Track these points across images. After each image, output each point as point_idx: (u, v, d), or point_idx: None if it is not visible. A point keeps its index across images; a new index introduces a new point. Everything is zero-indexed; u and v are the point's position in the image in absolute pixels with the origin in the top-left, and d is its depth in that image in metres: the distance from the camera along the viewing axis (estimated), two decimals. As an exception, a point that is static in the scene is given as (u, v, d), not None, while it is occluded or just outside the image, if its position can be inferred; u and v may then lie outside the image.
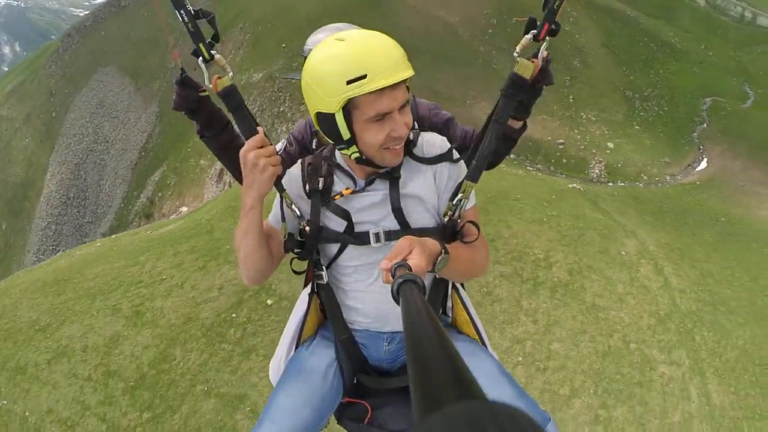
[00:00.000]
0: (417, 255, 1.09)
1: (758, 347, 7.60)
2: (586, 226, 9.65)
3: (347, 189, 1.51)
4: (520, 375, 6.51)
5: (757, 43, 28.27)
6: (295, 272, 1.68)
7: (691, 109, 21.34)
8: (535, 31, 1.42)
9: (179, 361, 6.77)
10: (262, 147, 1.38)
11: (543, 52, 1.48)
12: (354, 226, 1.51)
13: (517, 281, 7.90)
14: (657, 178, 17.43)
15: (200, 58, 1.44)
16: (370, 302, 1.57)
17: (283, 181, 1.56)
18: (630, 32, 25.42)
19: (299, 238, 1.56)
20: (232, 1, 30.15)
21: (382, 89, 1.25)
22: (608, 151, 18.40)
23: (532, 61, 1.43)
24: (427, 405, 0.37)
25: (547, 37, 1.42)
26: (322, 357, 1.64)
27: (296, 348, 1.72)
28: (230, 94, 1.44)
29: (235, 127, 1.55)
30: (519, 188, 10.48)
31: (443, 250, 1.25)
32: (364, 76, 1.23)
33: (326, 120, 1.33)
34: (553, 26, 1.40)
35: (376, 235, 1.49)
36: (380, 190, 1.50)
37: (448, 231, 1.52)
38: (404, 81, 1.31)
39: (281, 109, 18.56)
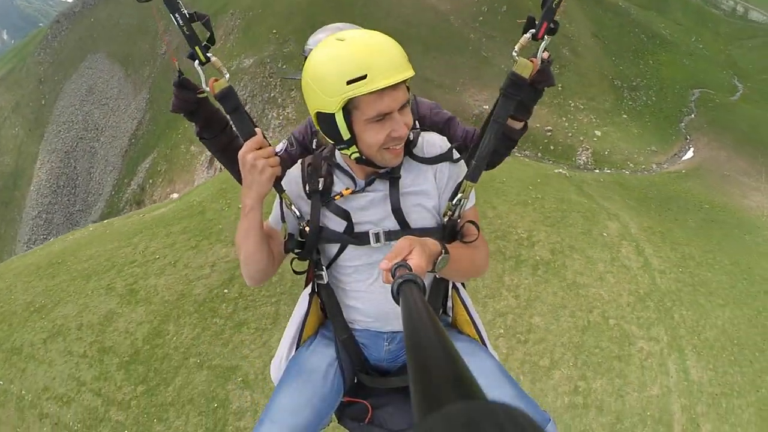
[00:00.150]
0: (417, 255, 1.09)
1: (737, 328, 7.74)
2: (569, 208, 9.80)
3: (347, 189, 1.51)
4: (502, 347, 6.69)
5: (748, 37, 28.42)
6: (295, 272, 1.69)
7: (680, 99, 21.48)
8: (533, 30, 1.41)
9: (172, 336, 6.91)
10: (260, 148, 1.38)
11: (544, 53, 1.48)
12: (354, 226, 1.51)
13: (500, 258, 8.06)
14: (643, 166, 17.60)
15: (196, 61, 1.44)
16: (371, 302, 1.58)
17: (283, 181, 1.56)
18: (621, 22, 25.52)
19: (299, 239, 1.56)
20: (223, -12, 29.82)
21: (382, 89, 1.25)
22: (595, 139, 18.53)
23: (531, 60, 1.43)
24: (427, 405, 0.37)
25: (546, 36, 1.41)
26: (323, 356, 1.65)
27: (297, 348, 1.72)
28: (227, 96, 1.44)
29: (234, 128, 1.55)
30: (505, 172, 10.62)
31: (443, 250, 1.26)
32: (364, 77, 1.23)
33: (326, 120, 1.33)
34: (551, 25, 1.39)
35: (376, 235, 1.49)
36: (380, 190, 1.50)
37: (448, 231, 1.52)
38: (404, 81, 1.31)
39: (272, 94, 18.57)
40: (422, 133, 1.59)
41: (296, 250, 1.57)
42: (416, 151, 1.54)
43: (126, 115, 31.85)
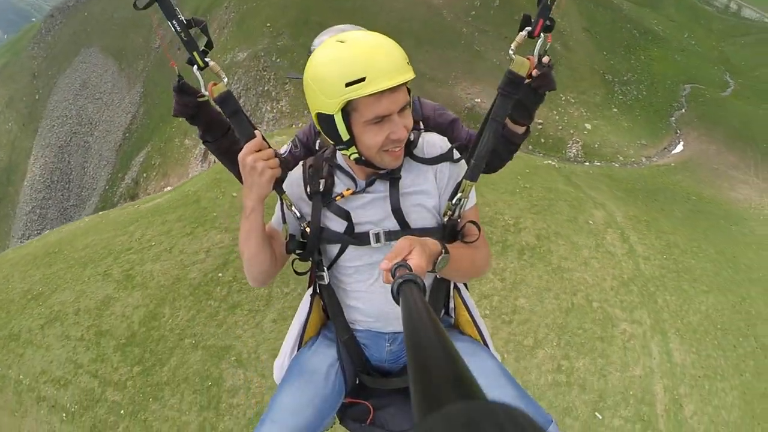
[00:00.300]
0: (417, 255, 1.10)
1: (721, 314, 7.90)
2: (556, 197, 9.98)
3: (348, 190, 1.51)
4: (487, 326, 6.87)
5: (741, 34, 28.49)
6: (297, 273, 1.68)
7: (670, 94, 21.59)
8: (529, 28, 1.41)
9: (168, 318, 7.07)
10: (260, 150, 1.39)
11: (545, 58, 1.50)
12: (354, 227, 1.52)
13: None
14: (633, 159, 17.75)
15: (195, 66, 1.46)
16: (372, 302, 1.58)
17: (285, 183, 1.57)
18: (613, 18, 25.61)
19: (301, 240, 1.57)
20: (217, -19, 29.70)
21: (381, 92, 1.25)
22: (586, 132, 18.66)
23: (528, 58, 1.43)
24: (427, 405, 0.37)
25: (542, 34, 1.41)
26: (324, 357, 1.65)
27: (299, 348, 1.73)
28: (226, 100, 1.46)
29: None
30: (495, 163, 10.78)
31: (443, 250, 1.25)
32: (363, 79, 1.23)
33: (326, 121, 1.34)
34: (547, 22, 1.39)
35: (376, 235, 1.50)
36: (380, 191, 1.51)
37: (449, 231, 1.52)
38: (404, 83, 1.31)
39: (266, 88, 18.61)
40: (423, 133, 1.59)
41: (297, 251, 1.58)
42: (416, 151, 1.54)
43: (120, 109, 31.71)
